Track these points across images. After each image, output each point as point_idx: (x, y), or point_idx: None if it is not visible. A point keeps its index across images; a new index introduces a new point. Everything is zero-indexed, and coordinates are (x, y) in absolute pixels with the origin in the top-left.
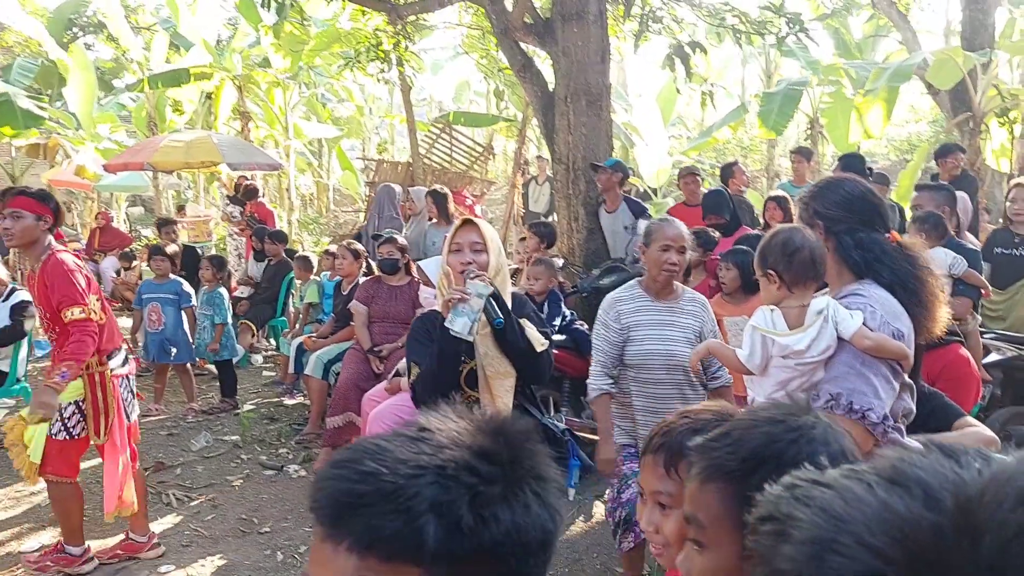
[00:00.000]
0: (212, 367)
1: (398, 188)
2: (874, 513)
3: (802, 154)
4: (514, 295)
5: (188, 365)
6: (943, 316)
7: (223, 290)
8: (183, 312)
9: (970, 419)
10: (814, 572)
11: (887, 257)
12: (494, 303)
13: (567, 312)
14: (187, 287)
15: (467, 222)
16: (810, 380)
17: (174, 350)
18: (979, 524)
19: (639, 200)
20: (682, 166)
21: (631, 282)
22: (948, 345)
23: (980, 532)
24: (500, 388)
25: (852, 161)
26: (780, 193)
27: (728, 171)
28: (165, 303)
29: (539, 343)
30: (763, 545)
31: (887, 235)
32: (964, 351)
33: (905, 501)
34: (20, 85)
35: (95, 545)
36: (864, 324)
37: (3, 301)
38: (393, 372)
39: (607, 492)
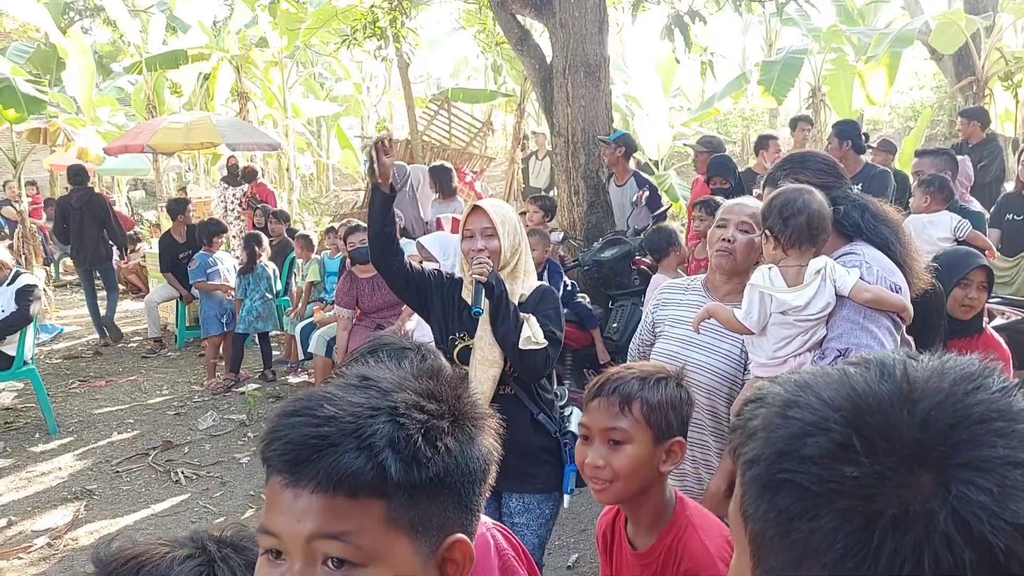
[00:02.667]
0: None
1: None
2: (834, 381)
3: (793, 125)
4: (542, 288)
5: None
6: (922, 270)
7: (263, 264)
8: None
9: None
10: (779, 425)
11: (875, 219)
12: (482, 291)
13: (568, 282)
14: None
15: (476, 207)
16: (812, 339)
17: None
18: (918, 392)
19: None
20: (686, 138)
21: (699, 276)
22: (980, 333)
23: (918, 398)
24: (483, 375)
25: (845, 127)
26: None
27: (763, 143)
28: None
29: (533, 341)
30: (743, 419)
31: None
32: (995, 334)
33: (862, 374)
34: (15, 63)
35: None
36: (861, 279)
37: (8, 285)
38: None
39: None
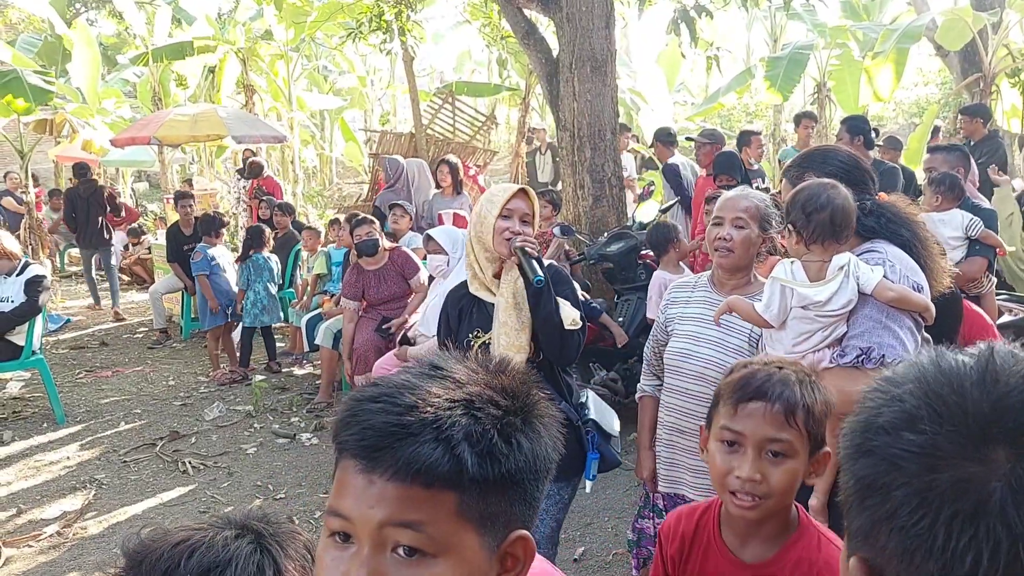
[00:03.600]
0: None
1: (401, 159)
2: (927, 361)
3: (798, 121)
4: (553, 268)
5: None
6: (944, 269)
7: (265, 255)
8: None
9: None
10: (867, 399)
11: (897, 218)
12: (536, 262)
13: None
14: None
15: (522, 191)
16: (832, 335)
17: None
18: (999, 374)
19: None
20: (689, 133)
21: (704, 272)
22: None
23: (997, 379)
24: (510, 358)
25: (856, 123)
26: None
27: (745, 139)
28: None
29: (570, 320)
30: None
31: (876, 197)
32: (971, 304)
33: (954, 357)
34: (26, 55)
35: None
36: (885, 277)
37: (16, 276)
38: (400, 339)
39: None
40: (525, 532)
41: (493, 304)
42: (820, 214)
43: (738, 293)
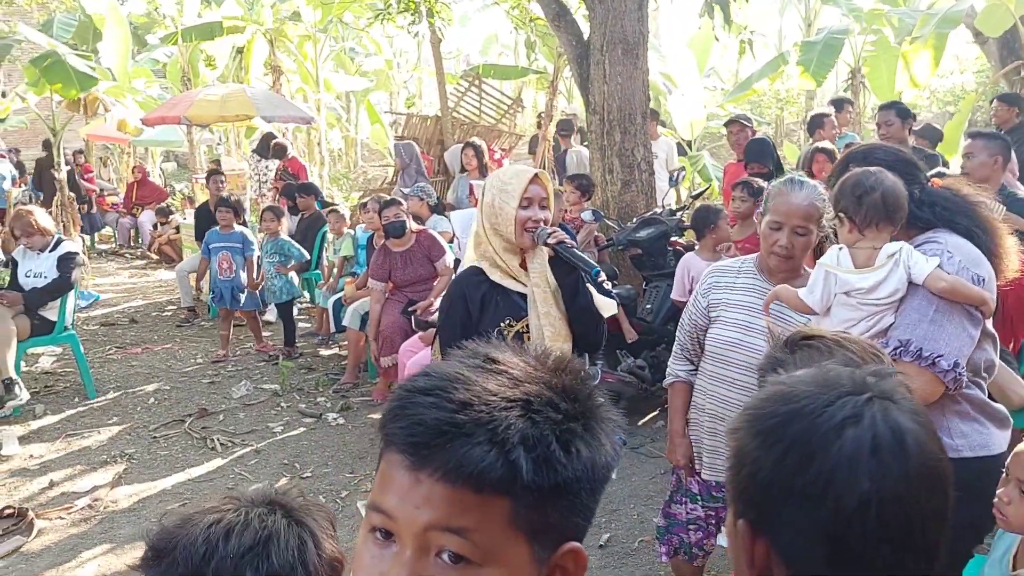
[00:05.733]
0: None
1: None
2: None
3: (836, 107)
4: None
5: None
6: (1012, 252)
7: (287, 236)
8: (247, 260)
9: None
10: None
11: (953, 205)
12: (581, 253)
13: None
14: (250, 236)
15: (537, 176)
16: (878, 325)
17: (243, 296)
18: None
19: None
20: (719, 119)
21: (749, 256)
22: None
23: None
24: (556, 347)
25: (904, 107)
26: (827, 145)
27: (818, 121)
28: (234, 252)
29: (607, 308)
30: None
31: (928, 184)
32: None
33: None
34: (62, 40)
35: None
36: (940, 267)
37: (50, 252)
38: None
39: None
40: (577, 544)
41: (519, 293)
42: (872, 195)
43: (787, 283)
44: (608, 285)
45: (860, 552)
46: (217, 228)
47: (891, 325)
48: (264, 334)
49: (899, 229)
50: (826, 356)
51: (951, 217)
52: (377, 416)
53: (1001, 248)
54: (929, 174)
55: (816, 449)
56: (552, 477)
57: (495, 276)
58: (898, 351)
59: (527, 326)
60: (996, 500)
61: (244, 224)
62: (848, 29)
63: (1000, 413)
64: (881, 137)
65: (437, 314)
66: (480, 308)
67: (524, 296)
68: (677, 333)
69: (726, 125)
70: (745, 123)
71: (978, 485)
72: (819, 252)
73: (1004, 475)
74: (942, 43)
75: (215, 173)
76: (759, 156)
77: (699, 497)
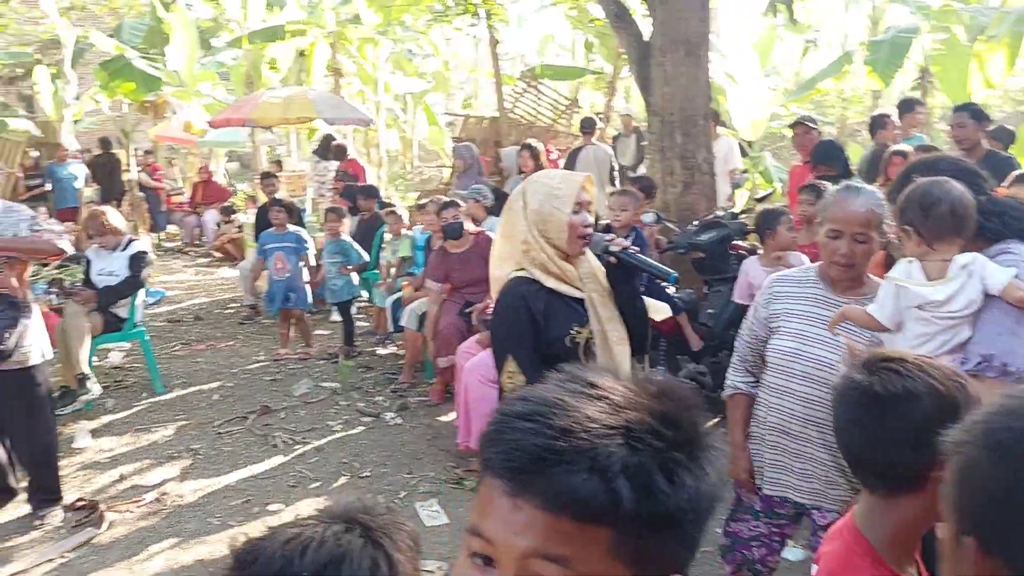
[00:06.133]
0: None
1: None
2: None
3: (907, 107)
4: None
5: (303, 312)
6: None
7: (347, 237)
8: (301, 259)
9: None
10: None
11: (1021, 214)
12: (654, 262)
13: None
14: (305, 236)
15: (587, 179)
16: (955, 339)
17: (293, 296)
18: None
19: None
20: (780, 119)
21: (811, 265)
22: None
23: None
24: (622, 356)
25: (978, 108)
26: (904, 147)
27: (880, 122)
28: (288, 252)
29: (659, 312)
30: None
31: (992, 193)
32: None
33: None
34: (131, 44)
35: None
36: (1017, 278)
37: (122, 251)
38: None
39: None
40: None
41: (576, 299)
42: (938, 208)
43: (851, 293)
44: (671, 290)
45: None
46: (272, 229)
47: (968, 339)
48: (323, 332)
49: (968, 241)
50: (907, 380)
51: (1022, 227)
52: (435, 417)
53: None
54: (1014, 175)
55: None
56: (654, 507)
57: (550, 283)
58: (981, 366)
59: (591, 332)
60: None
61: (301, 224)
62: (917, 27)
63: None
64: (954, 139)
65: (492, 327)
66: (545, 317)
67: (579, 301)
68: (736, 343)
69: (791, 127)
70: (811, 125)
71: None
72: (889, 263)
73: None
74: (1017, 42)
75: (268, 175)
76: (827, 158)
77: (760, 514)
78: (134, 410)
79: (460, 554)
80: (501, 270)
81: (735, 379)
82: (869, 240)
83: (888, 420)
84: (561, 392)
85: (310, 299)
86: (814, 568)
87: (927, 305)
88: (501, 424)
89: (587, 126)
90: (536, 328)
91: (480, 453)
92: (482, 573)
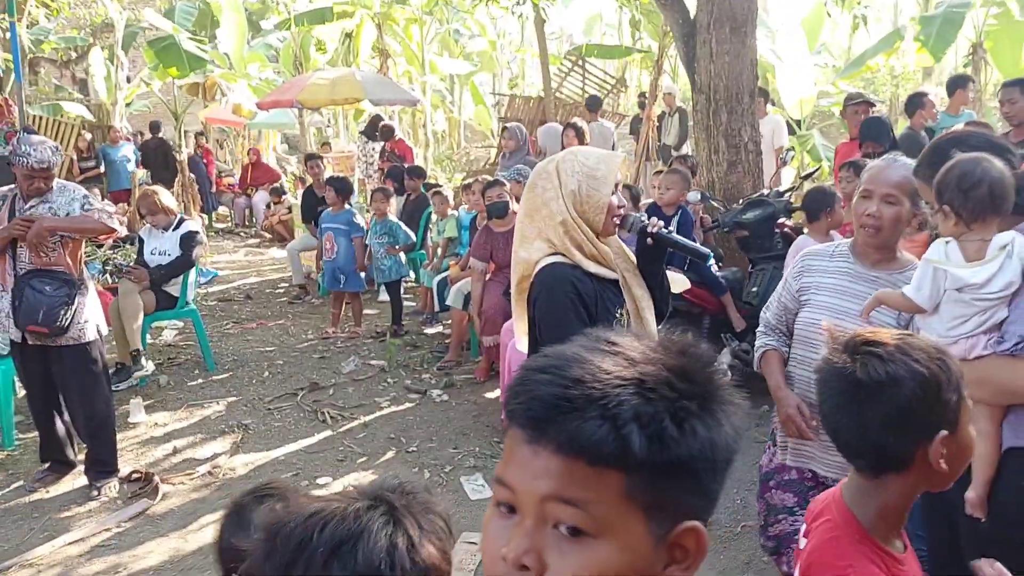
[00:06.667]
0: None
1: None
2: None
3: (958, 84)
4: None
5: (359, 292)
6: None
7: (394, 217)
8: (353, 241)
9: None
10: None
11: None
12: (690, 242)
13: (695, 240)
14: (358, 218)
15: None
16: (992, 319)
17: (343, 278)
18: None
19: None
20: (830, 97)
21: (843, 240)
22: None
23: None
24: (654, 329)
25: (1022, 85)
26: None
27: (918, 102)
28: (338, 233)
29: (679, 284)
30: None
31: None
32: None
33: None
34: (183, 27)
35: None
36: None
37: (173, 231)
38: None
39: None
40: (698, 524)
41: (611, 280)
42: (978, 189)
43: (882, 267)
44: (715, 269)
45: None
46: (329, 209)
47: (1004, 319)
48: (371, 312)
49: (1009, 212)
50: (889, 366)
51: None
52: (481, 395)
53: None
54: None
55: None
56: (665, 453)
57: (590, 267)
58: (1019, 347)
59: (627, 311)
60: None
61: (348, 204)
62: (970, 2)
63: None
64: (1004, 116)
65: (540, 314)
66: (595, 303)
67: (614, 282)
68: (762, 314)
69: (844, 103)
70: (870, 103)
71: None
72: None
73: None
74: None
75: (313, 157)
76: (875, 135)
77: (789, 483)
78: (187, 386)
79: (489, 506)
80: (527, 251)
81: (764, 340)
82: (898, 203)
83: (872, 406)
84: (580, 349)
85: (363, 281)
86: (802, 542)
87: (967, 287)
88: (522, 378)
89: (592, 104)
90: (589, 314)
91: (505, 406)
92: (505, 520)
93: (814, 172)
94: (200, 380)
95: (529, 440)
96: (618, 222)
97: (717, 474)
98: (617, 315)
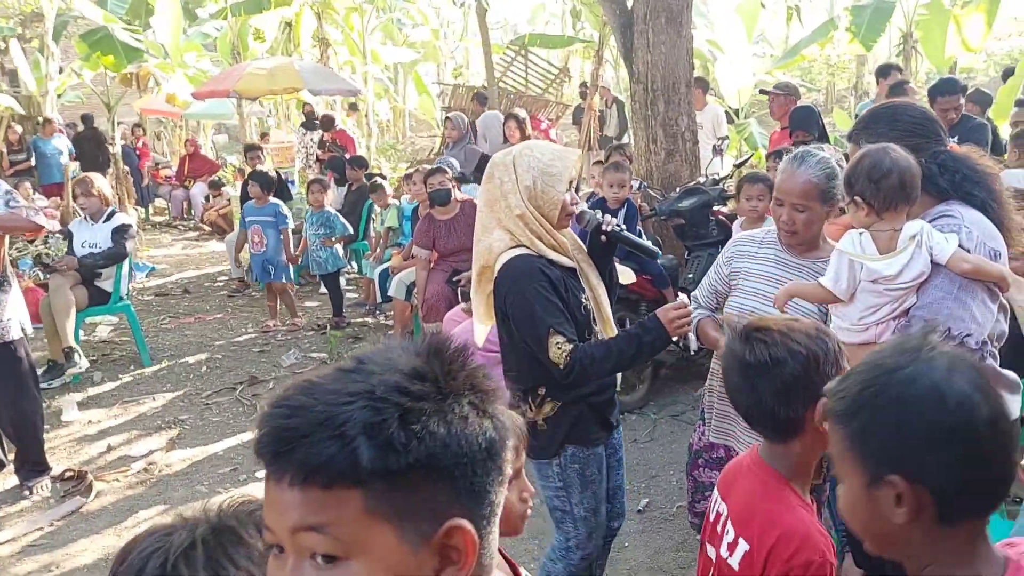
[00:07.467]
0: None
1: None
2: None
3: (881, 73)
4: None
5: (288, 284)
6: (1021, 227)
7: (331, 209)
8: (280, 233)
9: None
10: None
11: (973, 175)
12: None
13: (641, 232)
14: (284, 209)
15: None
16: (901, 306)
17: (272, 269)
18: None
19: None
20: (768, 86)
21: (772, 228)
22: None
23: None
24: (611, 317)
25: (949, 84)
26: None
27: (900, 90)
28: (265, 225)
29: (626, 276)
30: None
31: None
32: None
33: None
34: (117, 15)
35: None
36: (960, 246)
37: (104, 222)
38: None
39: (693, 436)
40: (460, 521)
41: (570, 268)
42: (888, 179)
43: (807, 256)
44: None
45: None
46: (252, 202)
47: (913, 304)
48: (313, 304)
49: (917, 200)
50: (771, 348)
51: (970, 189)
52: None
53: (1010, 221)
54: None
55: None
56: (396, 460)
57: (551, 255)
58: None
59: (588, 299)
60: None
61: (287, 196)
62: None
63: (1011, 380)
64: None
65: (514, 307)
66: (564, 288)
67: (572, 271)
68: (694, 294)
69: (762, 92)
70: (779, 92)
71: None
72: None
73: None
74: (995, 7)
75: (252, 148)
76: (804, 123)
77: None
78: (122, 382)
79: None
80: (487, 240)
81: (698, 312)
82: (807, 209)
83: (762, 383)
84: (320, 375)
85: (292, 272)
86: (722, 505)
87: (881, 279)
88: (261, 415)
89: (480, 99)
90: (561, 298)
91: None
92: (280, 561)
93: (747, 159)
94: (135, 376)
95: (272, 476)
96: (573, 219)
97: (478, 466)
98: (584, 300)
